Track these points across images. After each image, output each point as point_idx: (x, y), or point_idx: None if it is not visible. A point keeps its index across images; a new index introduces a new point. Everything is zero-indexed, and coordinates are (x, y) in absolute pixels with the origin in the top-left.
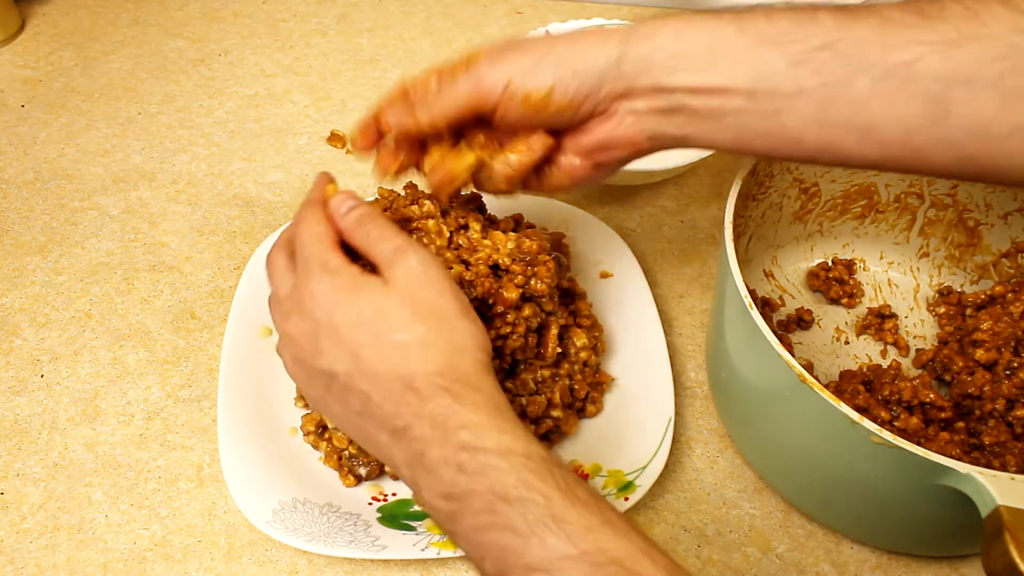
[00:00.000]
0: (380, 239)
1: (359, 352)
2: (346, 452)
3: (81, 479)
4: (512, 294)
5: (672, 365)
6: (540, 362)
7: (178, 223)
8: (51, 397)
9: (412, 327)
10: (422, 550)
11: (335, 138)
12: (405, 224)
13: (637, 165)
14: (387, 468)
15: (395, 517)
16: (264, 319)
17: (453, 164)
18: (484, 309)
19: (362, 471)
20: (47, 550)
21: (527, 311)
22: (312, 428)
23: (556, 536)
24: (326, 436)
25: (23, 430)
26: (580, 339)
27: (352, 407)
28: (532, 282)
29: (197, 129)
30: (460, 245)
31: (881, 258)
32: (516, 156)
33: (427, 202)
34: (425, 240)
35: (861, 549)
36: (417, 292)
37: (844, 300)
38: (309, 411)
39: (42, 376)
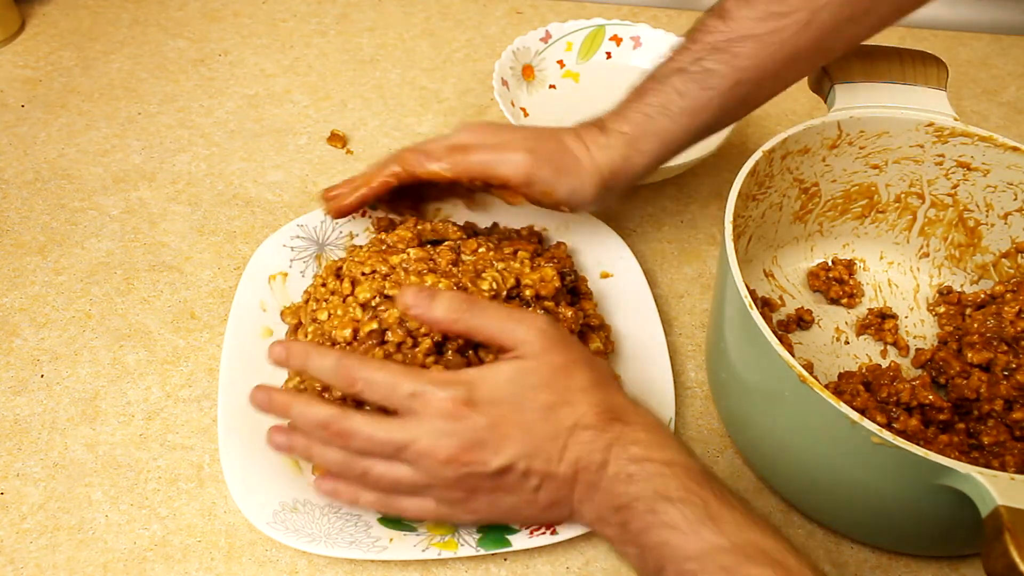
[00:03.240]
0: (503, 318)
1: (532, 428)
2: None
3: (81, 479)
4: None
5: (672, 365)
6: None
7: (178, 223)
8: (51, 397)
9: (569, 382)
10: (423, 551)
11: (335, 138)
12: (434, 246)
13: None
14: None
15: (396, 518)
16: (264, 319)
17: None
18: None
19: None
20: (47, 550)
21: None
22: None
23: (712, 531)
24: None
25: (23, 430)
26: (594, 343)
27: (530, 486)
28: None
29: (197, 129)
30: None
31: (881, 258)
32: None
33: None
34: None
35: (861, 549)
36: (557, 355)
37: (844, 300)
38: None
39: (42, 376)
